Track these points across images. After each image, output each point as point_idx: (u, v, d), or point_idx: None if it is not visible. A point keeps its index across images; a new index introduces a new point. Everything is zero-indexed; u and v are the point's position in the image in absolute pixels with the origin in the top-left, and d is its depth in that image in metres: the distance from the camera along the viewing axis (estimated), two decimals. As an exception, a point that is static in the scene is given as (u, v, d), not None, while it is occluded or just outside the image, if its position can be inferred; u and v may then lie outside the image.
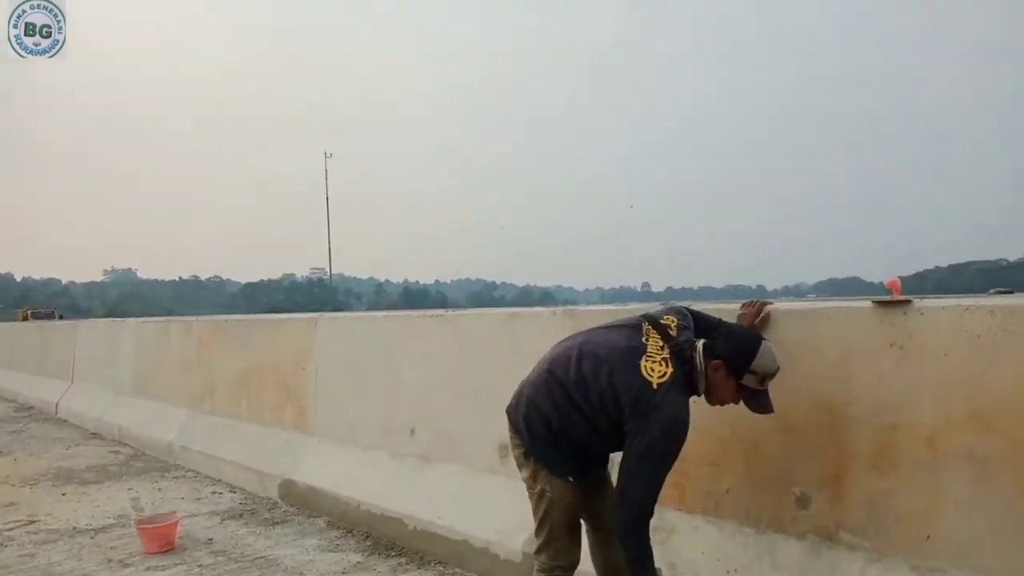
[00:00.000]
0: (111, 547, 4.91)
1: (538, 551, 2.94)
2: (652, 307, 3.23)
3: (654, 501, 2.69)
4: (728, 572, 3.16)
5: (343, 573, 4.32)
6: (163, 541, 4.83)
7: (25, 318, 34.04)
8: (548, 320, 4.29)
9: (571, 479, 2.84)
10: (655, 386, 2.66)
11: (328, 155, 53.10)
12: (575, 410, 2.79)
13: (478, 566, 4.18)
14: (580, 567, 3.00)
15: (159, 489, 6.56)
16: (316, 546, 4.83)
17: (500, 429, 4.40)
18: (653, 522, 3.20)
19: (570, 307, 4.36)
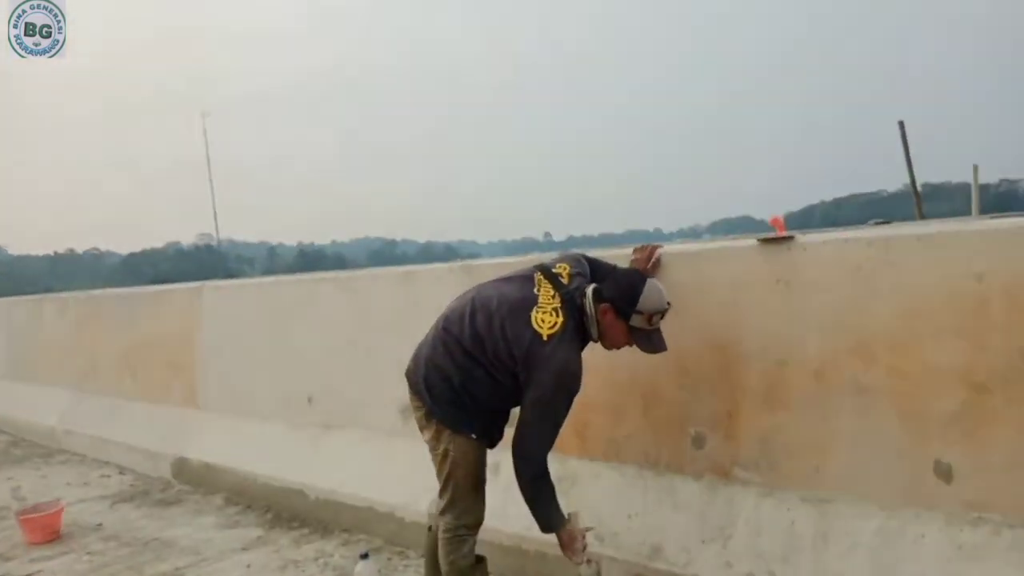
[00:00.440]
0: (-10, 542, 4.61)
1: (443, 511, 2.90)
2: (551, 256, 3.19)
3: (547, 449, 2.71)
4: (630, 516, 3.19)
5: (243, 549, 4.19)
6: (48, 531, 4.59)
7: None
8: (446, 276, 4.19)
9: (474, 436, 2.80)
10: (545, 337, 2.63)
11: (206, 114, 50.89)
12: (475, 365, 2.76)
13: (384, 531, 4.12)
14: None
15: (43, 476, 6.22)
16: (214, 524, 4.67)
17: (401, 391, 4.29)
18: (557, 471, 3.22)
19: (468, 262, 4.29)
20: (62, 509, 4.75)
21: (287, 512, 4.69)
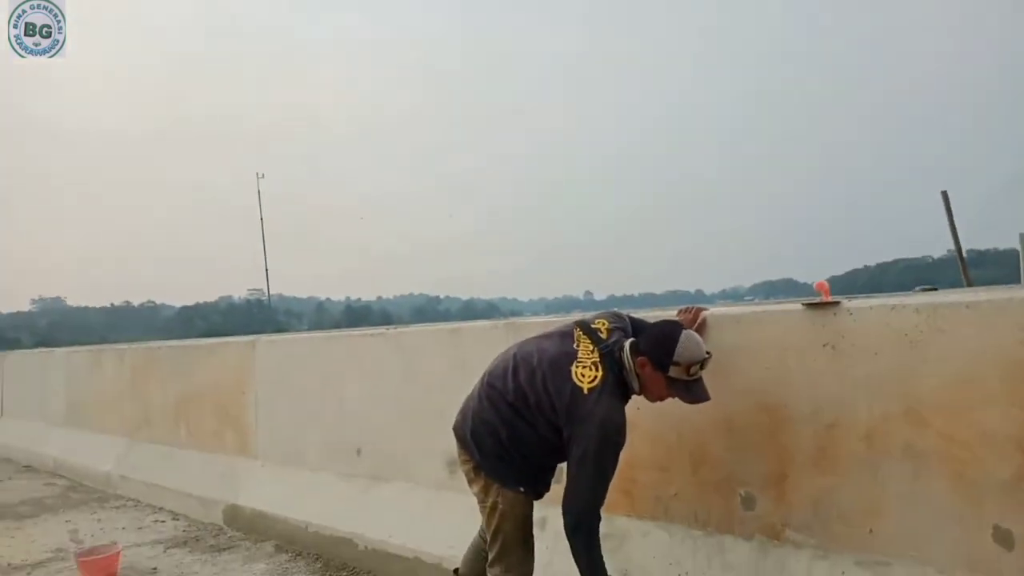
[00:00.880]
0: (49, 584, 4.75)
1: (491, 564, 2.94)
2: (591, 314, 3.27)
3: (598, 505, 2.71)
4: (680, 575, 3.20)
5: (294, 597, 4.25)
6: (105, 573, 4.70)
7: (-51, 350, 32.56)
8: (491, 332, 4.30)
9: (522, 490, 2.85)
10: (586, 391, 2.67)
11: (260, 176, 52.15)
12: (519, 419, 2.81)
13: (431, 582, 4.16)
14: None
15: (98, 520, 6.37)
16: (265, 570, 4.74)
17: (447, 445, 4.39)
18: (604, 529, 3.23)
19: (513, 319, 4.38)
20: (119, 552, 4.87)
21: (337, 560, 4.75)
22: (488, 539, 2.95)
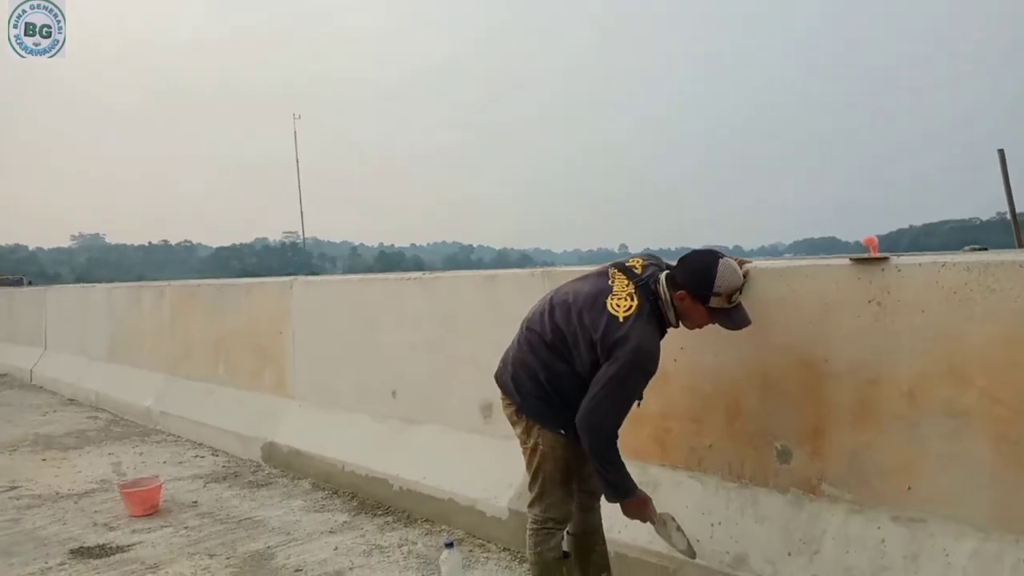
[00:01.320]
0: (95, 511, 4.91)
1: (531, 504, 2.99)
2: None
3: (617, 425, 2.72)
4: (712, 525, 3.23)
5: (331, 532, 4.36)
6: (147, 504, 4.85)
7: (-8, 284, 33.29)
8: (527, 281, 4.30)
9: (562, 432, 2.87)
10: (621, 319, 2.69)
11: (297, 116, 52.19)
12: (558, 360, 2.84)
13: (464, 523, 4.24)
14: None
15: (140, 454, 6.55)
16: (302, 507, 4.87)
17: (481, 389, 4.47)
18: (638, 477, 3.26)
19: (549, 268, 4.37)
20: (161, 485, 5.02)
21: (372, 500, 4.87)
22: (529, 480, 2.99)
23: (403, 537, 4.24)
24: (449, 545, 3.43)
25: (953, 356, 2.67)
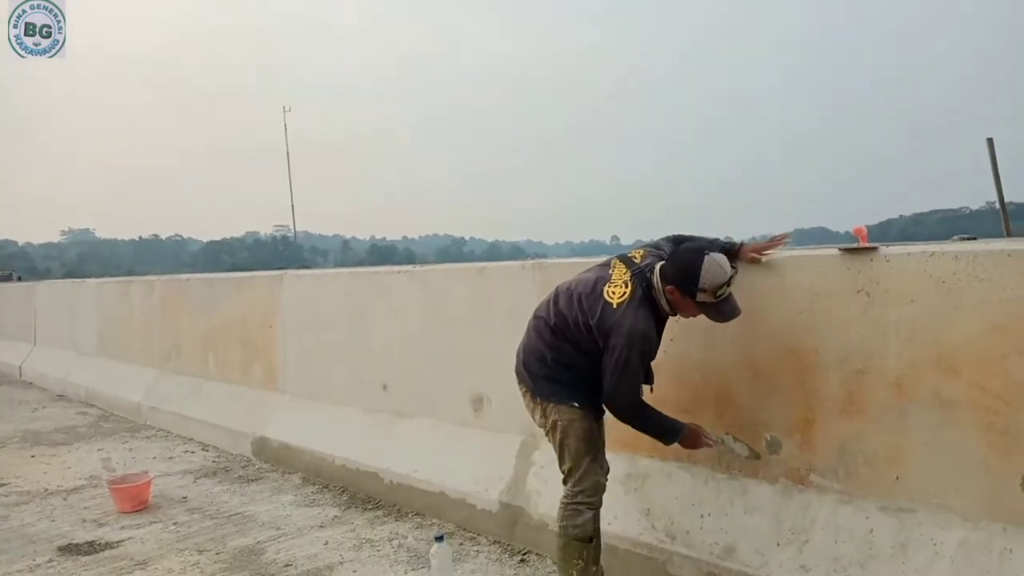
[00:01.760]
0: (84, 507, 4.89)
1: (564, 481, 3.07)
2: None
3: (635, 396, 2.87)
4: (702, 516, 3.23)
5: (321, 527, 4.35)
6: (136, 500, 4.83)
7: (-19, 280, 33.03)
8: (518, 273, 4.28)
9: (576, 404, 2.96)
10: (615, 305, 2.84)
11: (287, 109, 51.90)
12: (564, 341, 2.99)
13: (455, 516, 4.24)
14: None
15: (130, 449, 6.53)
16: (292, 501, 4.85)
17: (472, 382, 4.46)
18: (627, 469, 3.27)
19: (540, 260, 4.35)
20: (151, 481, 5.00)
21: (362, 494, 4.85)
22: (557, 459, 3.08)
23: (393, 531, 4.23)
24: (439, 539, 3.42)
25: (942, 346, 2.67)
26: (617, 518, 3.38)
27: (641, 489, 3.48)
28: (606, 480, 3.07)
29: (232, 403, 6.54)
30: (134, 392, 7.98)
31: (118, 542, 4.25)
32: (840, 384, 2.91)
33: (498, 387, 4.31)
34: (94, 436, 7.10)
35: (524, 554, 3.80)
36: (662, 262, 2.94)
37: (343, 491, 4.97)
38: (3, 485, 5.46)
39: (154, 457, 6.18)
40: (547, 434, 3.08)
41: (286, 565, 3.82)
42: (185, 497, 5.05)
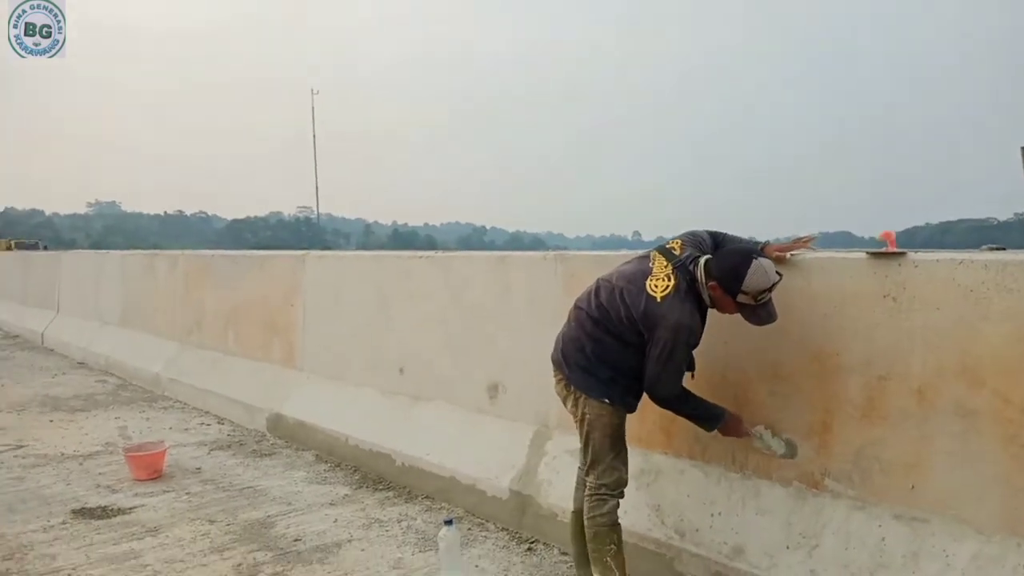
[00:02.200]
0: (99, 473, 4.95)
1: (587, 472, 3.10)
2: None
3: (678, 386, 2.94)
4: (713, 515, 3.21)
5: (331, 504, 4.38)
6: (151, 469, 4.88)
7: (9, 248, 33.46)
8: (539, 264, 4.27)
9: (607, 401, 2.98)
10: (659, 298, 2.85)
11: (315, 92, 52.14)
12: (605, 333, 3.00)
13: (464, 501, 4.25)
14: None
15: (147, 419, 6.59)
16: (304, 478, 4.89)
17: (489, 370, 4.46)
18: (640, 464, 3.26)
19: (562, 252, 4.34)
20: (166, 450, 5.05)
21: (374, 474, 4.88)
22: (581, 449, 3.12)
23: (403, 512, 4.25)
24: (448, 522, 3.43)
25: (966, 355, 2.63)
26: (627, 512, 3.36)
27: (653, 485, 3.47)
28: (627, 475, 3.08)
29: (250, 379, 6.59)
30: (154, 363, 8.05)
31: (131, 508, 4.30)
32: (861, 389, 2.88)
33: (514, 376, 4.31)
34: (112, 404, 7.19)
35: (532, 542, 3.81)
36: (706, 256, 2.95)
37: (355, 471, 5.00)
38: (21, 447, 5.53)
39: (170, 428, 6.24)
40: (575, 423, 3.11)
41: (295, 540, 3.85)
42: (199, 468, 5.10)
